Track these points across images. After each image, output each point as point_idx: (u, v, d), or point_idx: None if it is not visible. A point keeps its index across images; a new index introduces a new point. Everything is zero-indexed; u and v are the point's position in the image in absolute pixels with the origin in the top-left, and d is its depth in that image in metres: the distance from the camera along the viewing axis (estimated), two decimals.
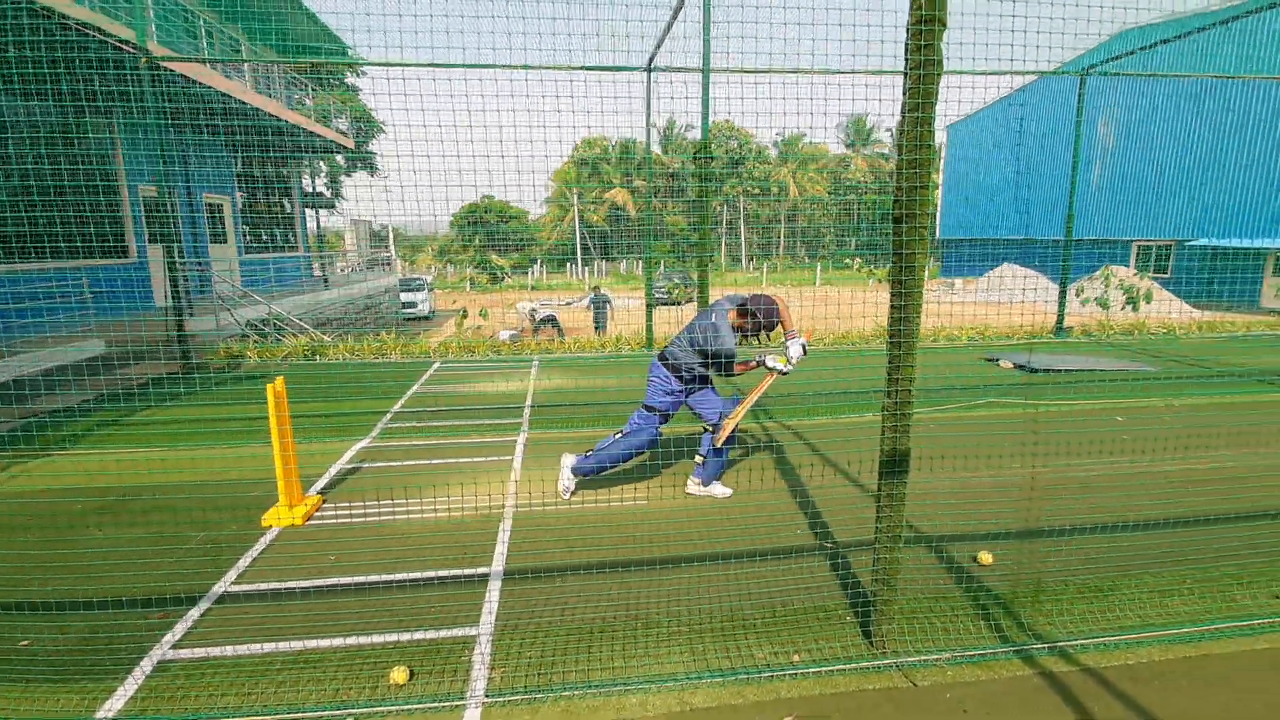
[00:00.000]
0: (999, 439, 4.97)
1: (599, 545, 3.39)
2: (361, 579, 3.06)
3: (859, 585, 2.91)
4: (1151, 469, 4.34)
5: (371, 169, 31.52)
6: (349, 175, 32.10)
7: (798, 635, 2.59)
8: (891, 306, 2.36)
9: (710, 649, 2.50)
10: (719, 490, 4.02)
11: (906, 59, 2.25)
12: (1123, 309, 12.67)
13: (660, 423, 3.86)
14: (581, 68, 7.75)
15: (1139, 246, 22.88)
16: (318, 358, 8.64)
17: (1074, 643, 2.50)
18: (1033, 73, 8.94)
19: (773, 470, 4.46)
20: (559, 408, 6.21)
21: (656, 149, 47.61)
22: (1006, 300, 19.35)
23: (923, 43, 2.19)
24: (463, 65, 7.31)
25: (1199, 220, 20.89)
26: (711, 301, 4.54)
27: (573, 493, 4.00)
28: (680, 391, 3.84)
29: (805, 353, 3.76)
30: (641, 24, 11.64)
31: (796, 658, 2.45)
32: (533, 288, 35.58)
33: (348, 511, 3.83)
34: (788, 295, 4.50)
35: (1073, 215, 8.83)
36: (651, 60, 8.24)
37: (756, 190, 48.46)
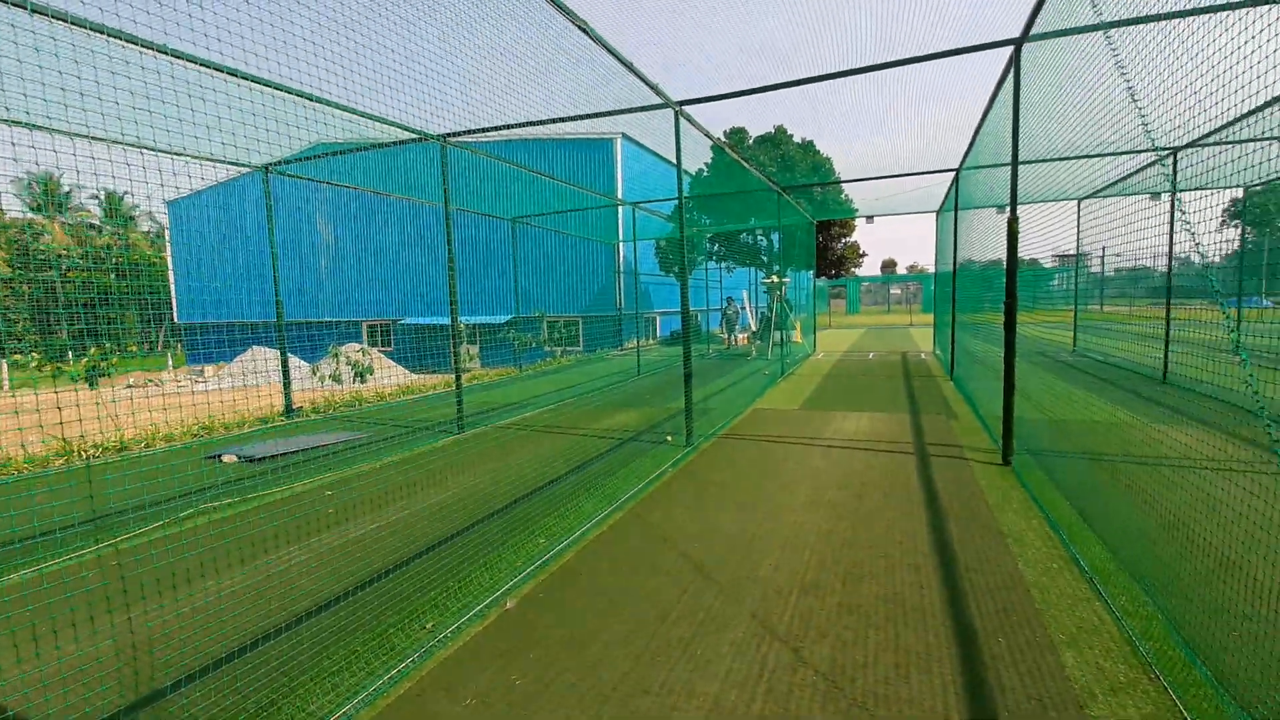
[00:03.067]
0: (207, 553, 4.37)
1: None
2: None
3: None
4: (350, 535, 4.66)
5: None
6: None
7: None
8: None
9: None
10: None
11: None
12: (354, 382, 14.29)
13: None
14: None
15: (368, 325, 26.74)
16: None
17: None
18: (233, 164, 8.85)
19: None
20: None
21: None
22: (255, 384, 18.93)
23: None
24: None
25: (407, 302, 26.13)
26: None
27: None
28: None
29: None
30: None
31: None
32: None
33: None
34: None
35: (280, 299, 9.19)
36: None
37: None
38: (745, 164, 10.94)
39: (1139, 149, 8.57)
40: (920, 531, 4.44)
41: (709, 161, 21.22)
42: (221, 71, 5.46)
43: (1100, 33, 4.56)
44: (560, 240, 22.85)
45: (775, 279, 18.06)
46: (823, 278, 36.16)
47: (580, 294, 24.27)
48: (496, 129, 7.17)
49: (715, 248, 25.38)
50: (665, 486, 5.72)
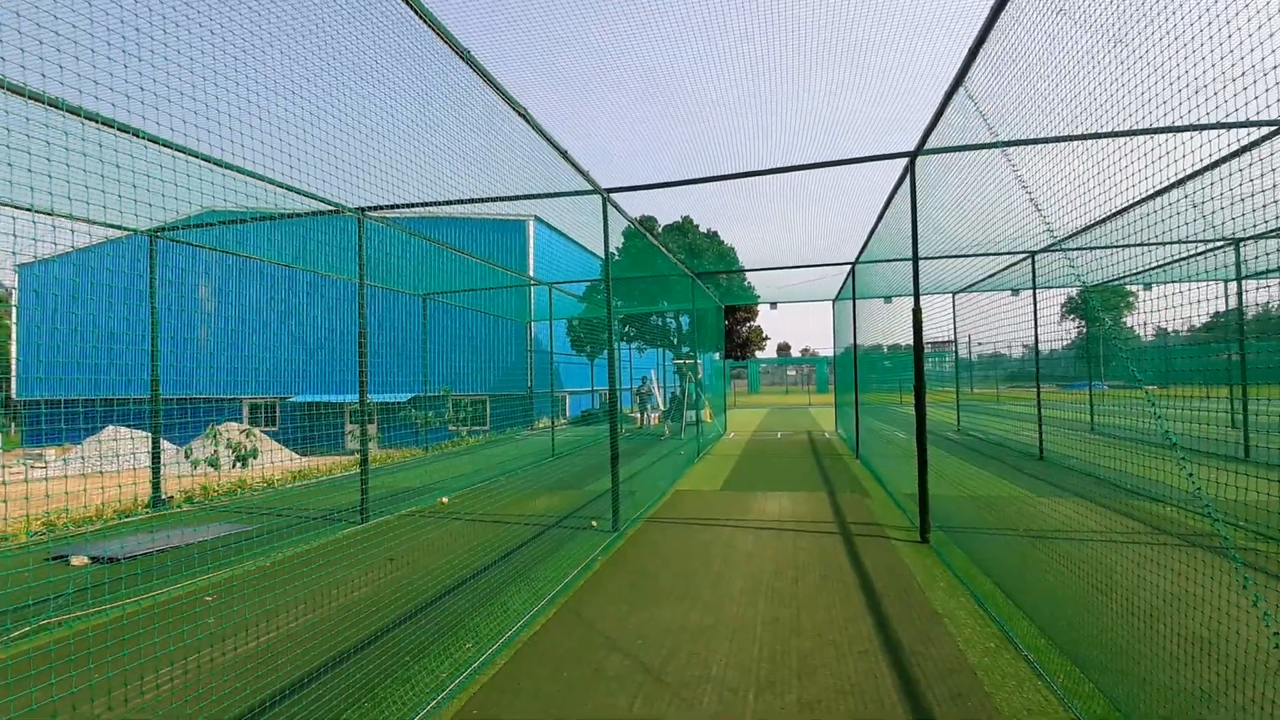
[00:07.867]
0: (42, 685, 3.57)
1: None
2: None
3: None
4: (236, 651, 4.00)
5: None
6: None
7: None
8: None
9: None
10: None
11: None
12: (234, 466, 12.88)
13: None
14: None
15: (249, 403, 24.58)
16: None
17: None
18: (113, 226, 8.02)
19: None
20: None
21: None
22: (111, 469, 16.66)
23: None
24: None
25: (297, 379, 24.36)
26: None
27: None
28: None
29: None
30: None
31: None
32: None
33: None
34: None
35: (157, 375, 8.24)
36: None
37: None
38: (665, 250, 11.34)
39: (1010, 250, 9.62)
40: (861, 615, 4.41)
41: (620, 246, 21.86)
42: (112, 126, 5.05)
43: (975, 152, 5.18)
44: (468, 317, 22.44)
45: (688, 359, 18.49)
46: (730, 359, 37.63)
47: (488, 372, 23.67)
48: (424, 205, 7.03)
49: (626, 329, 25.85)
50: (597, 577, 5.41)
